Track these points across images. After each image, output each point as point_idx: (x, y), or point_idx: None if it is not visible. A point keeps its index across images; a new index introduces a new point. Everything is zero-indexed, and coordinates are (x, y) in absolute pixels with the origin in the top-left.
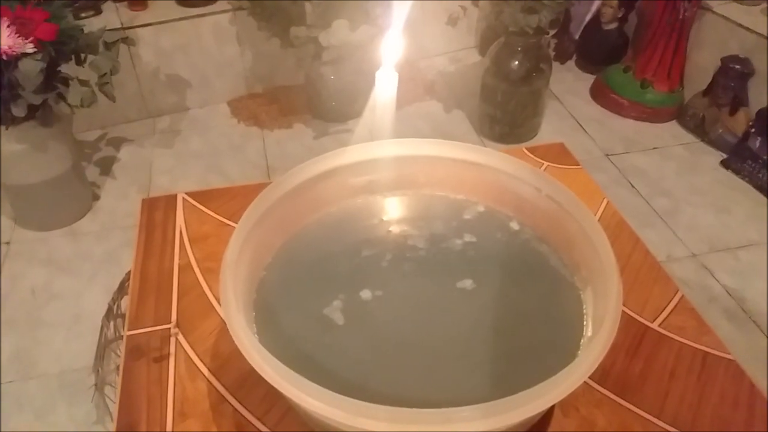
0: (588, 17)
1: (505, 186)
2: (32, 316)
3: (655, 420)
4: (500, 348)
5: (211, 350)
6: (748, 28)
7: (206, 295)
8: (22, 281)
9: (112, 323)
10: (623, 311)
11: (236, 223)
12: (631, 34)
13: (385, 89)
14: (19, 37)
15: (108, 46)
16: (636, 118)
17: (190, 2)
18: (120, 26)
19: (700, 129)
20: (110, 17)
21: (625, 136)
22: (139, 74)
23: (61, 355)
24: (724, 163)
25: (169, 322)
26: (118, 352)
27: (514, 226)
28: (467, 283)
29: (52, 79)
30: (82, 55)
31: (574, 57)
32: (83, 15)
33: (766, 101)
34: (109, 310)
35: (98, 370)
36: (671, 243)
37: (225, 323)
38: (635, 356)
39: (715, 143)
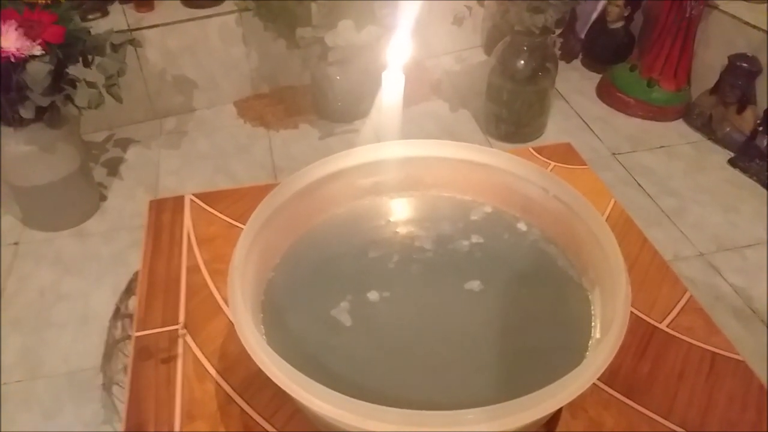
0: (594, 16)
1: (512, 187)
2: (40, 317)
3: (663, 421)
4: (508, 349)
5: (219, 351)
6: (755, 26)
7: (214, 296)
8: (29, 282)
9: (119, 323)
10: (631, 312)
11: (243, 224)
12: (637, 32)
13: (391, 89)
14: (27, 39)
15: (115, 47)
16: (642, 117)
17: (197, 3)
18: (127, 28)
19: (707, 127)
20: (117, 19)
21: (631, 135)
22: (145, 75)
23: (69, 356)
24: (732, 162)
25: (177, 323)
26: (126, 352)
27: (522, 227)
28: (475, 285)
29: (60, 81)
30: (90, 57)
31: (580, 56)
32: (90, 17)
33: None
34: (117, 310)
35: (106, 370)
36: (678, 242)
37: (233, 324)
38: (643, 357)
39: (723, 142)
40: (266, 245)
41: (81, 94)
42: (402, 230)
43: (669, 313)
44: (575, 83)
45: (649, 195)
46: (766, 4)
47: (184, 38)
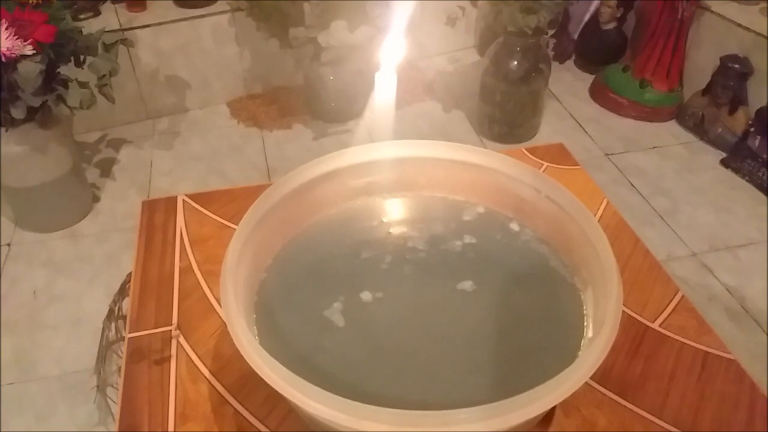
0: (587, 17)
1: (504, 187)
2: (33, 318)
3: (655, 420)
4: (501, 349)
5: (212, 352)
6: (746, 28)
7: (207, 297)
8: (22, 283)
9: (113, 325)
10: (623, 311)
11: (236, 225)
12: (630, 33)
13: (384, 90)
14: (17, 39)
15: (107, 47)
16: (635, 118)
17: (189, 3)
18: (119, 27)
19: (699, 128)
20: (109, 18)
21: (624, 136)
22: (138, 76)
23: (62, 357)
24: (724, 162)
25: (170, 325)
26: (120, 353)
27: (514, 227)
28: (467, 285)
29: (52, 81)
30: (81, 57)
31: (573, 57)
32: (82, 16)
33: (766, 100)
34: (110, 311)
35: (99, 372)
36: (671, 242)
37: (226, 325)
38: (636, 356)
39: (715, 142)
40: (259, 246)
41: (73, 94)
42: (395, 231)
43: (661, 313)
44: (568, 84)
45: (641, 195)
46: (757, 6)
47: (176, 38)
